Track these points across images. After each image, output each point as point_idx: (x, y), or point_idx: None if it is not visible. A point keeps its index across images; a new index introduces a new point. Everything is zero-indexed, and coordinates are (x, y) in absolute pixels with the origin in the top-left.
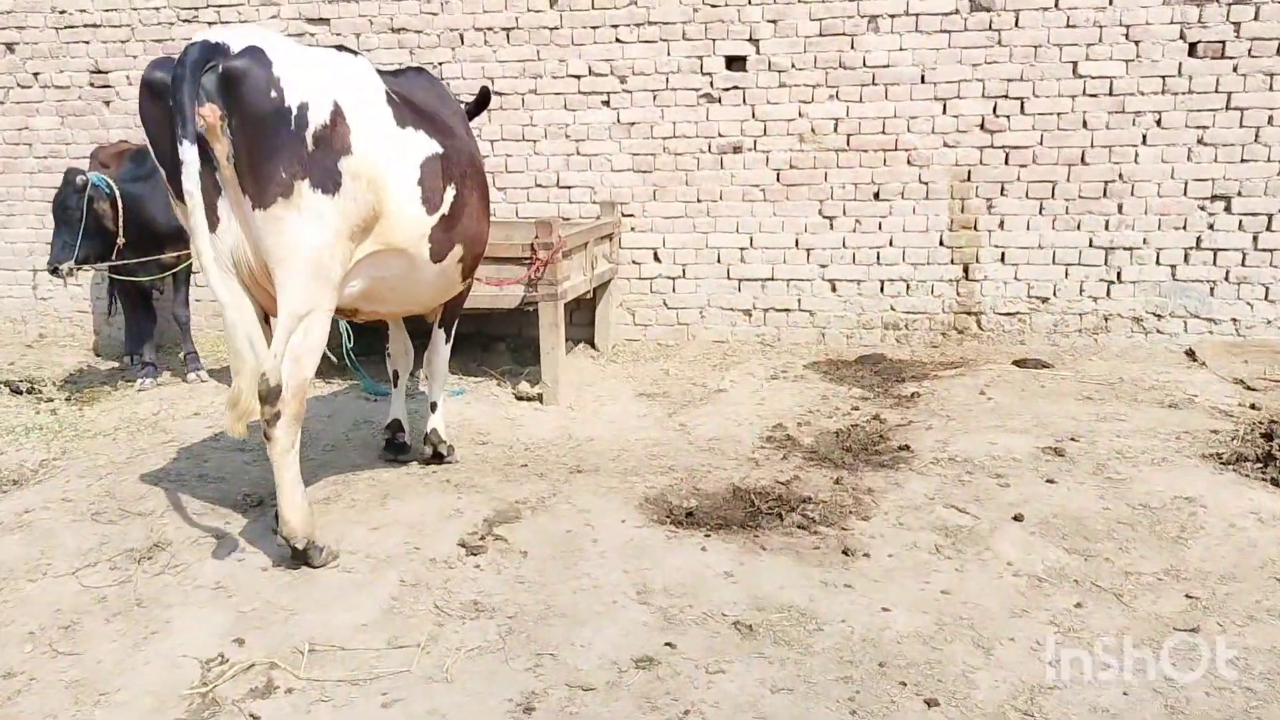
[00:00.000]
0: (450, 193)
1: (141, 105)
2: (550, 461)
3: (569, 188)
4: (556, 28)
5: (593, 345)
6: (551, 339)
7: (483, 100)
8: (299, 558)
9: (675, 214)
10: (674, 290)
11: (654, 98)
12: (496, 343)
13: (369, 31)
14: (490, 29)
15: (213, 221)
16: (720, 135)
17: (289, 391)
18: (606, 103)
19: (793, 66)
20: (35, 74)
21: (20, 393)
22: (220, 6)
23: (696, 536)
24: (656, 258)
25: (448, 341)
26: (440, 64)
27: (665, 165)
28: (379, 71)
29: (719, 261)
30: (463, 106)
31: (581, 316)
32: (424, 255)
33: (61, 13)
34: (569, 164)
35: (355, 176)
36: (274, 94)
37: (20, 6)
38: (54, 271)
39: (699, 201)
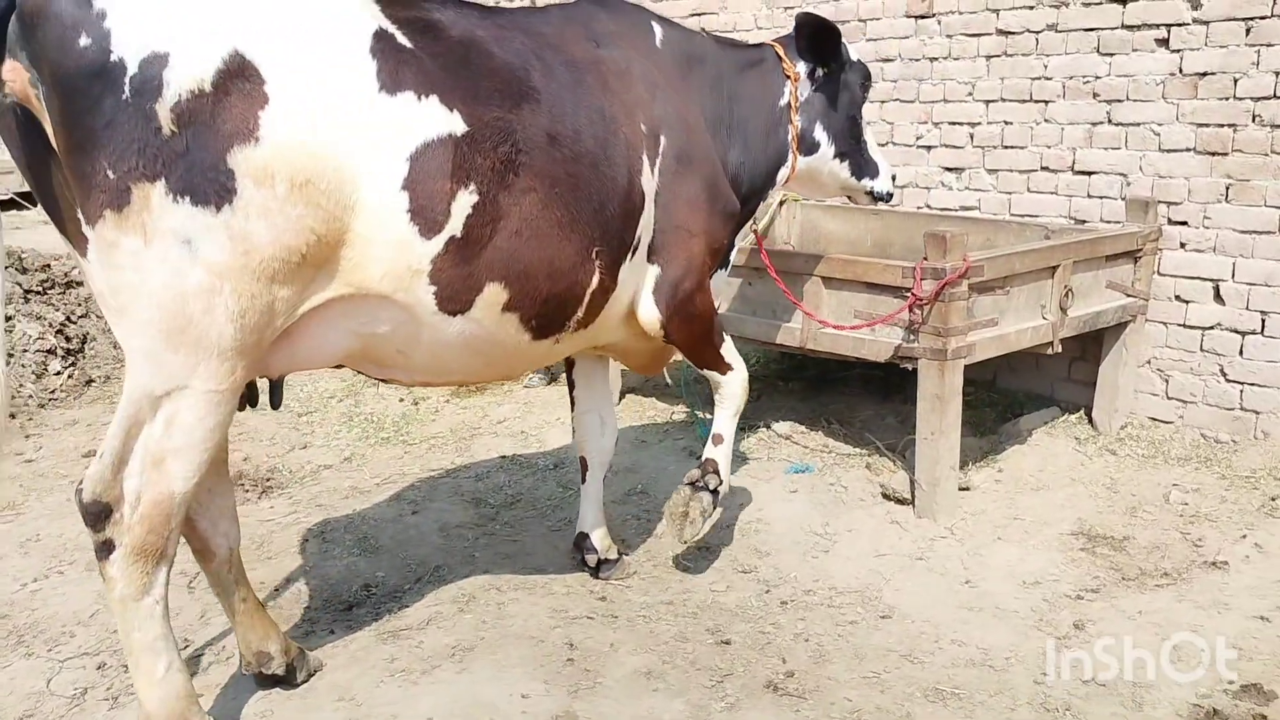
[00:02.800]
0: (466, 199)
1: None
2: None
3: (1088, 174)
4: None
5: (1090, 418)
6: (933, 417)
7: (817, 34)
8: None
9: (1258, 227)
10: (1241, 353)
11: (1246, 31)
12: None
13: None
14: None
15: (80, 243)
16: None
17: (133, 512)
18: (1164, 42)
19: None
20: None
21: None
22: None
23: None
24: (1218, 296)
25: (727, 373)
26: None
27: (1252, 145)
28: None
29: None
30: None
31: (1082, 370)
32: (424, 303)
33: None
34: (1092, 138)
35: (268, 180)
36: (86, 40)
37: None
38: None
39: None
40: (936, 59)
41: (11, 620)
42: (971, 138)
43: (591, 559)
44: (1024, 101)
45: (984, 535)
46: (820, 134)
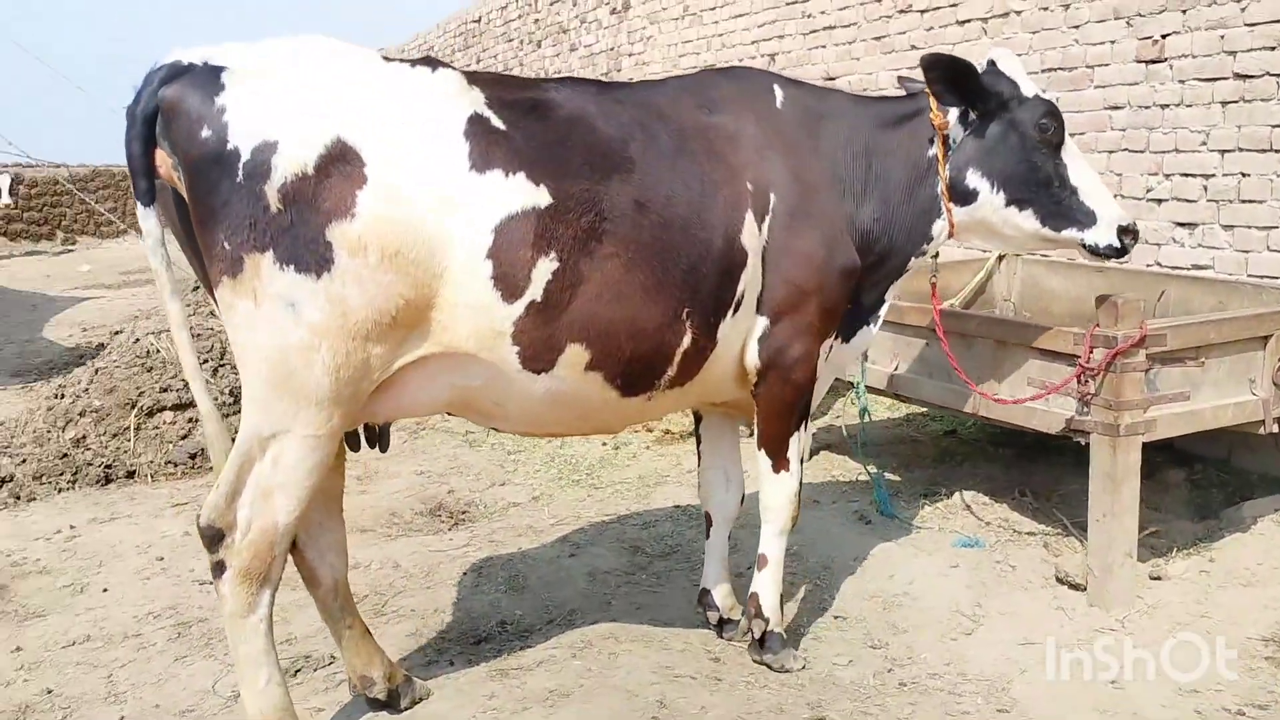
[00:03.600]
0: (547, 266)
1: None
2: None
3: None
4: None
5: None
6: (1105, 498)
7: (947, 76)
8: None
9: None
10: None
11: None
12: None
13: (1080, 1)
14: None
15: (215, 302)
16: None
17: (243, 539)
18: None
19: None
20: None
21: None
22: None
23: None
24: None
25: (780, 470)
26: (1164, 36)
27: None
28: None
29: None
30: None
31: None
32: (509, 362)
33: (807, 17)
34: None
35: (361, 250)
36: (208, 130)
37: (782, 15)
38: None
39: None
40: (1168, 106)
41: (209, 624)
42: (1205, 190)
43: (713, 616)
44: (1263, 151)
45: (1157, 631)
46: (978, 181)
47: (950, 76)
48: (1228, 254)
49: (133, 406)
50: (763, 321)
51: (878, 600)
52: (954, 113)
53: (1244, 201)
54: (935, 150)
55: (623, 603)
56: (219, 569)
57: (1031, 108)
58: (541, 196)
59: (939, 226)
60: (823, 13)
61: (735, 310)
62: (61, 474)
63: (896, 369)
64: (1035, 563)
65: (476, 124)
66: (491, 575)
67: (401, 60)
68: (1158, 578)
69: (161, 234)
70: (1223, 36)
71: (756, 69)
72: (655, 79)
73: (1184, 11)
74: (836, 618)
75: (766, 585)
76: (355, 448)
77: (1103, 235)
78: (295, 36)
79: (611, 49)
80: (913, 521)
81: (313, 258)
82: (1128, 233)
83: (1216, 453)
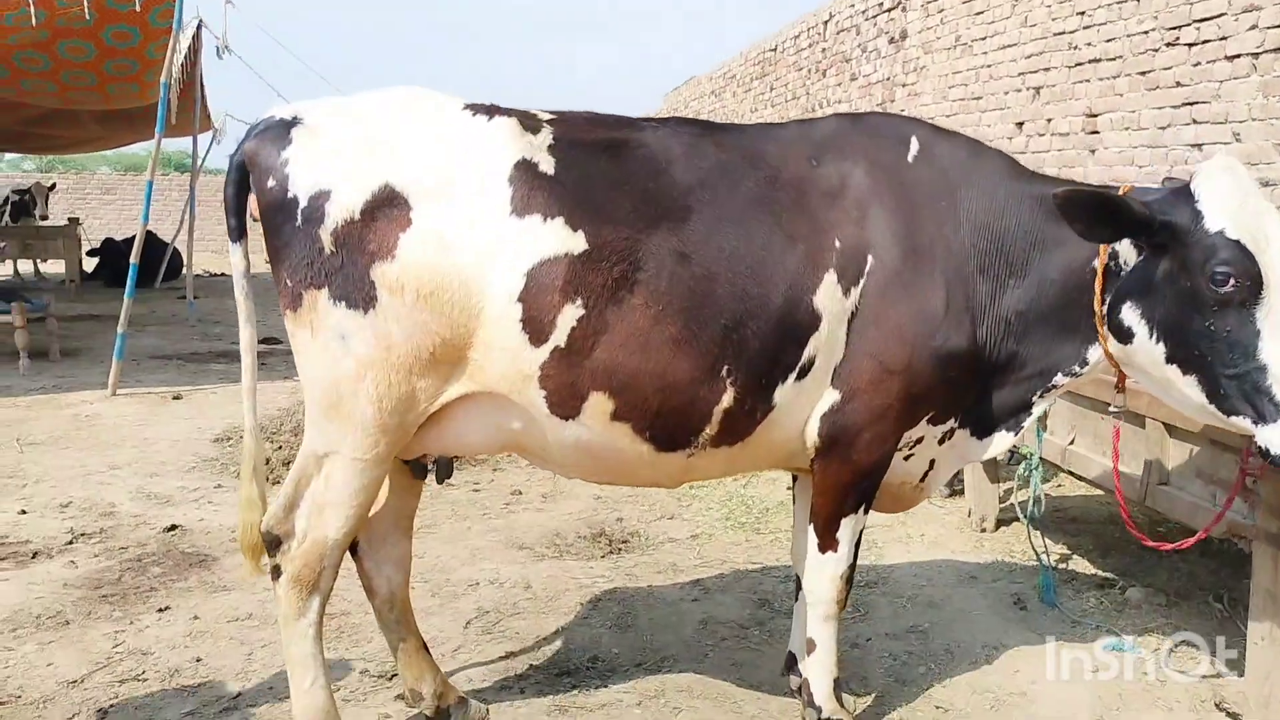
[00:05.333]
0: (572, 312)
1: None
2: None
3: None
4: None
5: None
6: (1266, 619)
7: (1082, 213)
8: None
9: None
10: None
11: None
12: None
13: None
14: None
15: None
16: None
17: (298, 547)
18: None
19: None
20: (1048, 119)
21: None
22: (1200, 22)
23: None
24: None
25: (826, 551)
26: None
27: None
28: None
29: None
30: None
31: None
32: (538, 406)
33: (1073, 49)
34: None
35: (400, 290)
36: (274, 181)
37: (1049, 46)
38: None
39: None
40: None
41: (352, 619)
42: None
43: (794, 681)
44: None
45: None
46: (1135, 321)
47: (1091, 217)
48: None
49: None
50: (832, 395)
51: (988, 697)
52: None
53: None
54: (1095, 263)
55: (720, 656)
56: (276, 573)
57: (1208, 249)
58: (577, 242)
59: (1093, 353)
60: (1089, 44)
61: (801, 375)
62: None
63: (1072, 443)
64: (1194, 681)
65: (522, 169)
66: (607, 609)
67: (469, 109)
68: (1226, 710)
69: (247, 267)
70: None
71: (904, 117)
72: (779, 123)
73: None
74: (937, 708)
75: (817, 673)
76: (421, 476)
77: (1276, 435)
78: (390, 89)
79: (887, 79)
80: (1075, 615)
81: (360, 295)
82: None
83: None
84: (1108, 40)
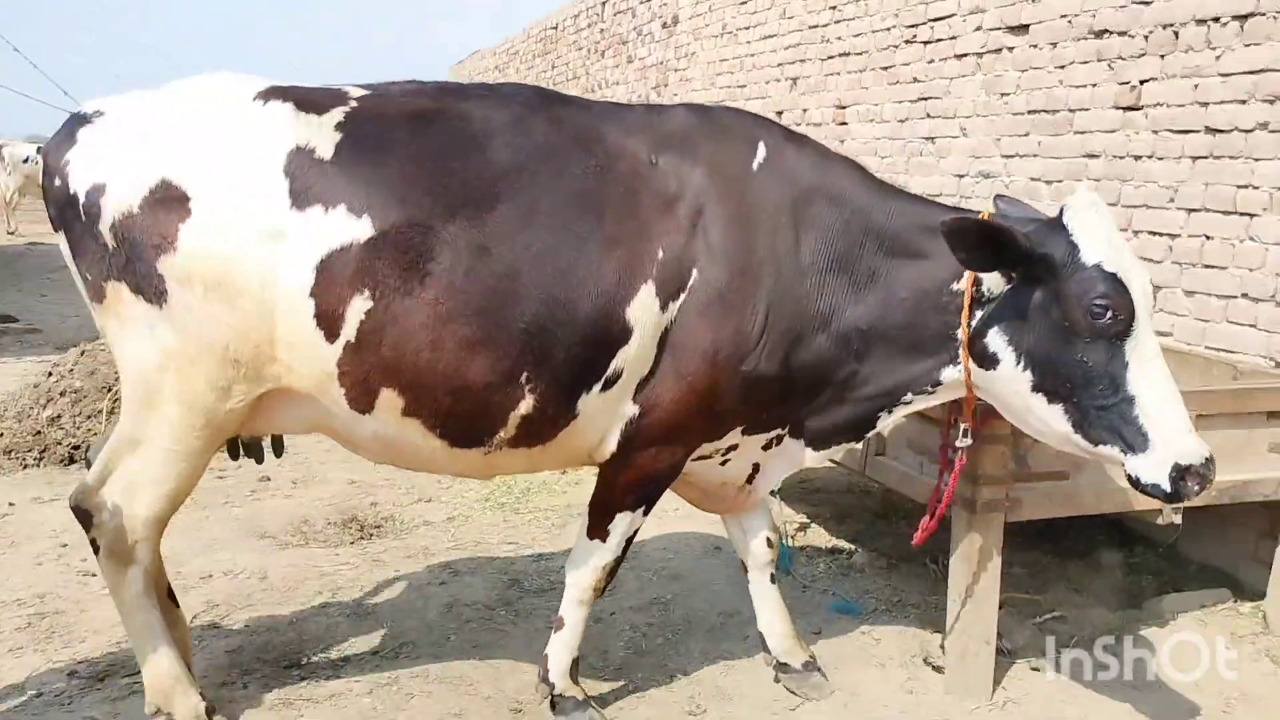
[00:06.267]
0: (360, 305)
1: None
2: None
3: None
4: None
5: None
6: (961, 580)
7: (967, 241)
8: None
9: None
10: None
11: None
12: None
13: (1067, 40)
14: (1216, 19)
15: None
16: None
17: (110, 523)
18: None
19: None
20: (804, 109)
21: None
22: (934, 21)
23: None
24: None
25: (594, 538)
26: (1142, 82)
27: None
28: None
29: None
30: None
31: (1263, 548)
32: (340, 402)
33: (825, 42)
34: None
35: (188, 282)
36: (58, 179)
37: (805, 39)
38: None
39: None
40: (1140, 158)
41: (65, 618)
42: (1170, 250)
43: (767, 659)
44: (1228, 213)
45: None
46: (1001, 348)
47: (977, 245)
48: (1188, 322)
49: (109, 390)
50: (632, 409)
51: (721, 664)
52: None
53: (1206, 266)
54: (963, 286)
55: (462, 639)
56: (94, 546)
57: (1085, 282)
58: (363, 229)
59: (951, 375)
60: (839, 39)
61: (607, 387)
62: (30, 450)
63: None
64: (906, 639)
65: (297, 156)
66: (347, 598)
67: (262, 95)
68: (1037, 669)
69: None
70: (1196, 86)
71: (755, 119)
72: (628, 105)
73: (1162, 57)
74: (673, 676)
75: (558, 650)
76: (235, 457)
77: (1150, 469)
78: (197, 77)
79: (661, 63)
80: (806, 580)
81: (152, 289)
82: (1192, 475)
83: (1164, 535)
84: (855, 35)
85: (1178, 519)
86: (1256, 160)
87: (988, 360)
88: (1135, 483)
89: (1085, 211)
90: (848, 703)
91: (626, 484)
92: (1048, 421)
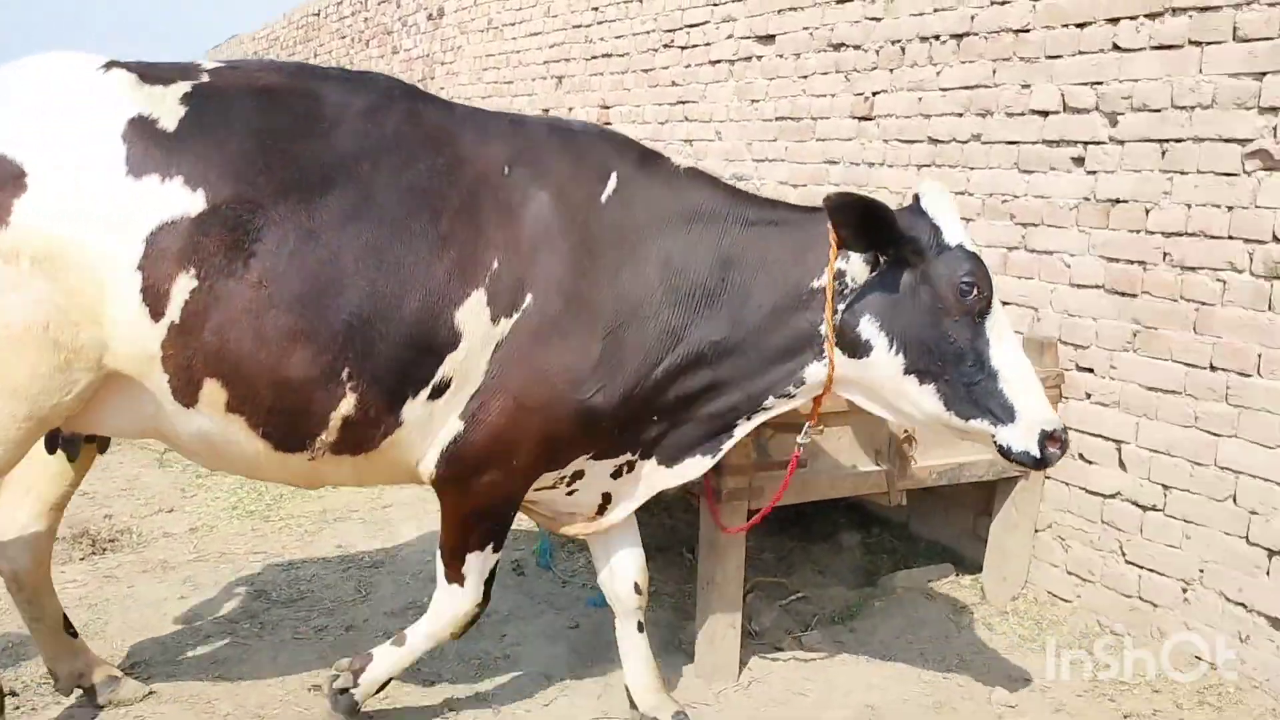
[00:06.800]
0: (185, 283)
1: None
2: None
3: (1004, 303)
4: (1025, 30)
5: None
6: (707, 565)
7: (846, 215)
8: None
9: (1164, 384)
10: (1141, 530)
11: (1162, 154)
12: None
13: (809, 51)
14: (936, 37)
15: None
16: None
17: None
18: (1080, 161)
19: None
20: (570, 109)
21: None
22: (690, 27)
23: None
24: (1120, 462)
25: (452, 583)
26: (874, 94)
27: (1161, 287)
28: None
29: (1235, 502)
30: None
31: (980, 525)
32: (163, 390)
33: (589, 43)
34: (1007, 263)
35: (15, 258)
36: None
37: (569, 39)
38: None
39: (1216, 370)
40: (874, 165)
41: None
42: None
43: (633, 715)
44: None
45: (747, 707)
46: (874, 335)
47: (860, 222)
48: None
49: None
50: (456, 426)
51: (476, 664)
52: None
53: None
54: (824, 282)
55: (201, 656)
56: None
57: (952, 262)
58: (195, 203)
59: (815, 372)
60: (602, 39)
61: (435, 395)
62: None
63: None
64: (660, 628)
65: (138, 126)
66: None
67: (104, 68)
68: (780, 648)
69: None
70: (920, 99)
71: (616, 141)
72: (495, 112)
73: (891, 71)
74: (426, 681)
75: (385, 663)
76: (51, 450)
77: (1019, 438)
78: (37, 56)
79: (427, 55)
80: (566, 575)
81: None
82: (1054, 441)
83: (899, 517)
84: (618, 37)
85: (904, 499)
86: (971, 169)
87: (860, 349)
88: (1006, 453)
89: (939, 197)
90: (601, 694)
91: (465, 520)
92: (919, 404)
